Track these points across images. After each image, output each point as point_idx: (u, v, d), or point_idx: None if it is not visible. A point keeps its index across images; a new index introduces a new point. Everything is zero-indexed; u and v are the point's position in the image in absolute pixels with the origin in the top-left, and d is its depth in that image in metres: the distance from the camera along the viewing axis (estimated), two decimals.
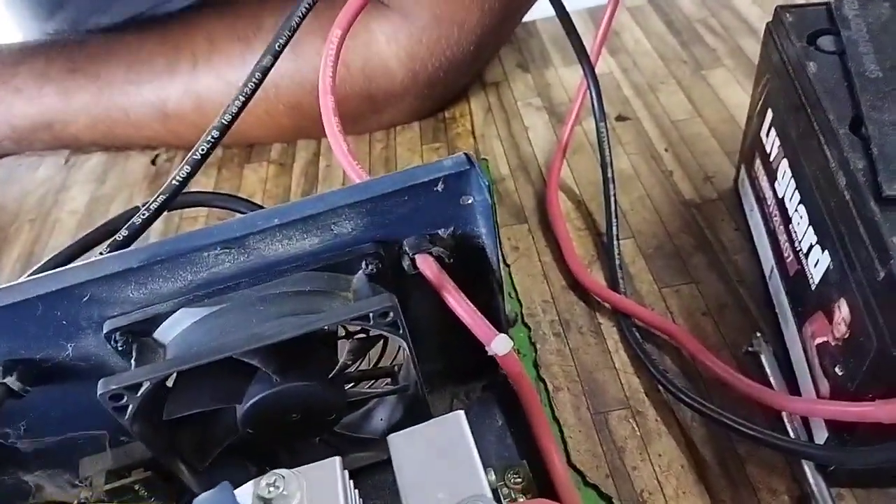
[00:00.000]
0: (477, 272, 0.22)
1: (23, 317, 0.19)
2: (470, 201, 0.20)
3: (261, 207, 0.32)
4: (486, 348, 0.20)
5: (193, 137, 0.42)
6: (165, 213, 0.25)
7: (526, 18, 0.44)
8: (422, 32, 0.37)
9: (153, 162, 0.44)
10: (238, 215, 0.25)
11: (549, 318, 0.30)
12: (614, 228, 0.32)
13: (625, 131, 0.38)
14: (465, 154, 0.19)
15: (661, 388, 0.27)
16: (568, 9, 0.35)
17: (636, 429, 0.26)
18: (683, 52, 0.43)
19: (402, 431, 0.18)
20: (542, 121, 0.40)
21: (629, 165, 0.36)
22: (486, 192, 0.19)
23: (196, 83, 0.38)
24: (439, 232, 0.21)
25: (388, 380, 0.24)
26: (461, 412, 0.19)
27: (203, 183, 0.42)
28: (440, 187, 0.19)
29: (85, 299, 0.19)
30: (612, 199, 0.32)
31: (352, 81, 0.38)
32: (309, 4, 0.24)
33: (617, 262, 0.31)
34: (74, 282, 0.18)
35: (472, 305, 0.20)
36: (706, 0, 0.46)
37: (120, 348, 0.20)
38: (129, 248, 0.22)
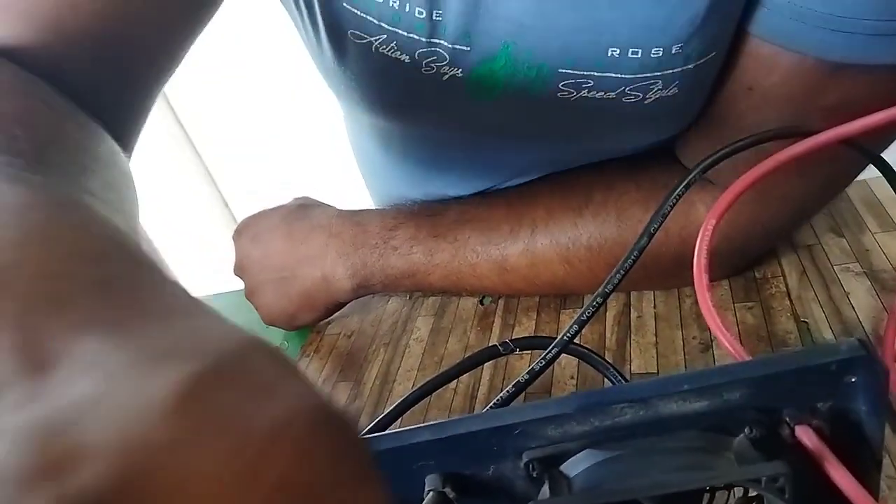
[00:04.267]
0: (854, 447, 0.23)
1: (468, 441, 0.24)
2: (854, 380, 0.22)
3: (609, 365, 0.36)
4: None
5: (523, 288, 0.48)
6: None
7: None
8: (743, 205, 0.40)
9: (481, 302, 0.51)
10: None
11: None
12: None
13: None
14: (860, 340, 0.21)
15: None
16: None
17: None
18: None
19: None
20: (864, 287, 0.40)
21: None
22: (880, 377, 0.21)
23: (533, 245, 0.45)
24: (818, 405, 0.23)
25: None
26: None
27: (525, 324, 0.48)
28: (833, 368, 0.21)
29: (516, 433, 0.24)
30: None
31: (668, 243, 0.42)
32: (676, 197, 0.29)
33: None
34: (515, 420, 0.23)
35: (854, 479, 0.22)
36: None
37: (534, 476, 0.24)
38: (564, 396, 0.27)
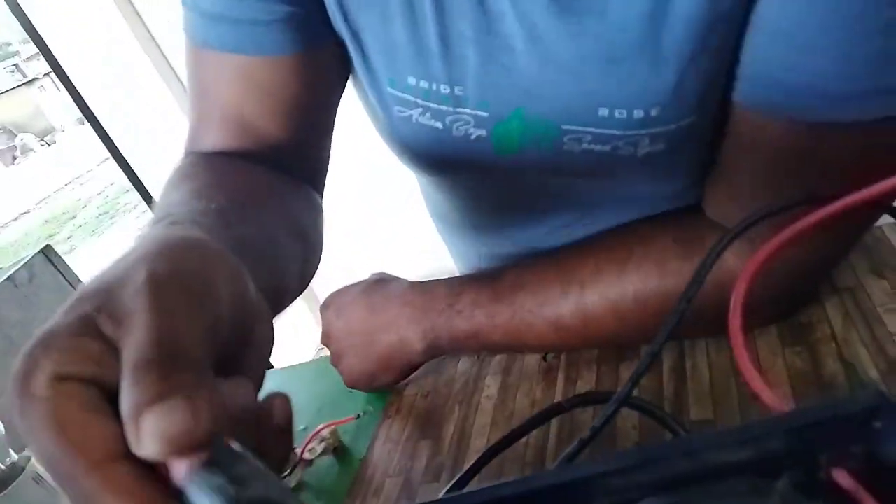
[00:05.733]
0: (888, 487, 0.26)
1: (543, 497, 0.28)
2: (879, 425, 0.25)
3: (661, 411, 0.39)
4: None
5: (578, 343, 0.52)
6: None
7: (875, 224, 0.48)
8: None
9: (544, 359, 0.55)
10: None
11: None
12: None
13: None
14: (878, 389, 0.24)
15: None
16: None
17: None
18: None
19: None
20: None
21: None
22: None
23: (583, 303, 0.49)
24: (851, 448, 0.26)
25: None
26: None
27: (586, 377, 0.51)
28: (858, 416, 0.25)
29: (586, 486, 0.28)
30: None
31: (705, 294, 0.46)
32: (714, 256, 0.33)
33: None
34: (583, 475, 0.27)
35: None
36: None
37: None
38: (626, 451, 0.30)
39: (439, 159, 0.53)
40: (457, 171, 0.56)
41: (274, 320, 0.29)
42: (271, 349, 0.27)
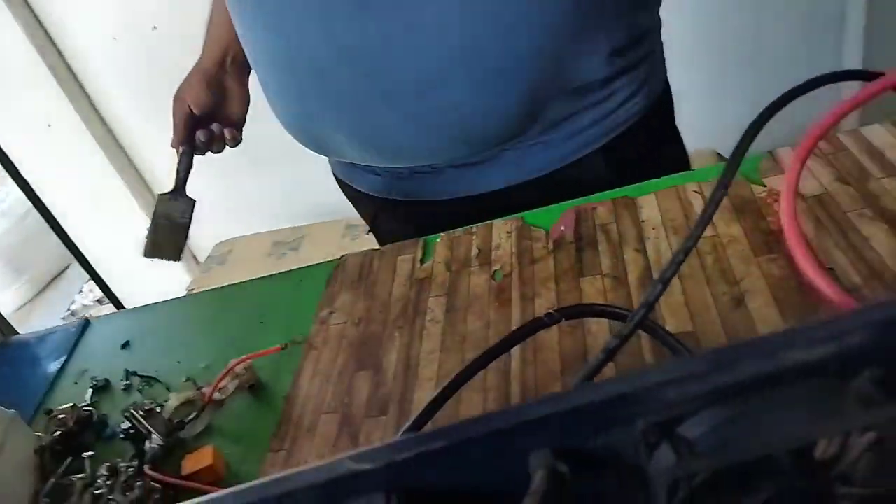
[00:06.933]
0: None
1: (581, 414, 0.23)
2: None
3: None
4: None
5: None
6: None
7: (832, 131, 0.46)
8: None
9: (493, 277, 0.49)
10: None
11: None
12: None
13: None
14: None
15: None
16: None
17: None
18: None
19: None
20: (881, 230, 0.41)
21: None
22: None
23: None
24: None
25: None
26: None
27: (545, 296, 0.46)
28: None
29: (635, 399, 0.22)
30: None
31: None
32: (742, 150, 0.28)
33: None
34: (634, 387, 0.22)
35: None
36: None
37: (650, 442, 0.23)
38: (692, 356, 0.25)
39: None
40: None
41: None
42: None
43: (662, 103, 0.61)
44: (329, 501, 0.23)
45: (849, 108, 0.28)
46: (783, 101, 0.30)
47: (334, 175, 0.70)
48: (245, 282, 0.62)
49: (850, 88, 0.33)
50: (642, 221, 0.48)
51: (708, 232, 0.45)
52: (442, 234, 0.55)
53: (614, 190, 0.52)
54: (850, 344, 0.22)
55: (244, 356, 0.48)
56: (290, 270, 0.60)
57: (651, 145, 0.59)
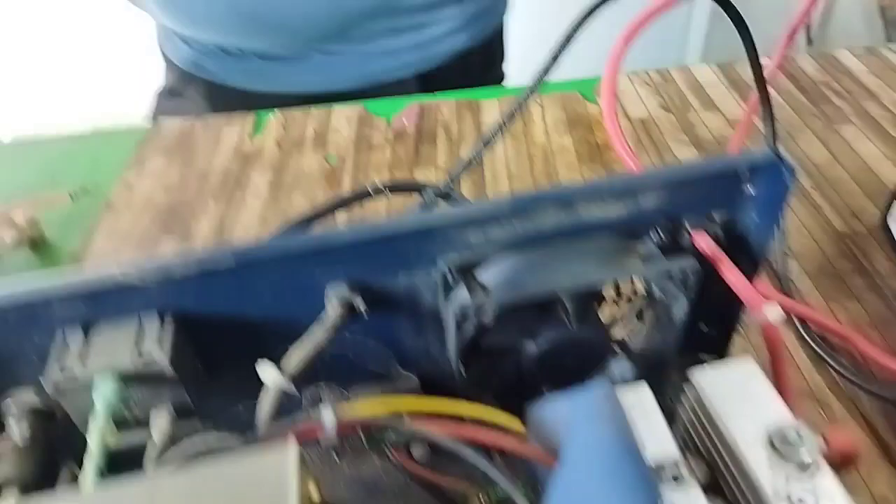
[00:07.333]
0: (741, 253, 0.25)
1: (381, 247, 0.22)
2: (751, 192, 0.23)
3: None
4: (754, 315, 0.23)
5: None
6: None
7: (661, 67, 0.49)
8: None
9: (327, 160, 0.47)
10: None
11: None
12: (784, 243, 0.35)
13: None
14: (774, 150, 0.22)
15: (842, 381, 0.29)
16: None
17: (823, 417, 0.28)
18: (814, 108, 0.47)
19: (703, 368, 0.21)
20: (692, 154, 0.44)
21: None
22: (785, 188, 0.23)
23: None
24: (714, 213, 0.24)
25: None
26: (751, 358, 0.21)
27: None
28: (745, 180, 0.22)
29: (437, 238, 0.22)
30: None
31: None
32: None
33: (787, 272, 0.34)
34: (440, 223, 0.21)
35: (744, 277, 0.23)
36: (826, 67, 0.51)
37: (450, 282, 0.22)
38: (495, 199, 0.25)
39: None
40: None
41: None
42: None
43: (492, 44, 0.61)
44: (92, 314, 0.21)
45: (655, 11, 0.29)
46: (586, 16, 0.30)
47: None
48: (40, 137, 0.54)
49: None
50: (482, 123, 0.48)
51: (541, 140, 0.46)
52: (276, 110, 0.51)
53: (460, 90, 0.52)
54: (641, 207, 0.23)
55: (23, 200, 0.42)
56: (95, 131, 0.53)
57: (470, 84, 0.56)
